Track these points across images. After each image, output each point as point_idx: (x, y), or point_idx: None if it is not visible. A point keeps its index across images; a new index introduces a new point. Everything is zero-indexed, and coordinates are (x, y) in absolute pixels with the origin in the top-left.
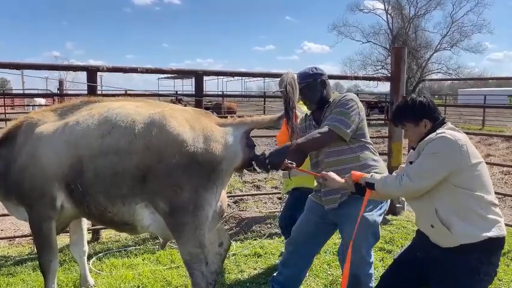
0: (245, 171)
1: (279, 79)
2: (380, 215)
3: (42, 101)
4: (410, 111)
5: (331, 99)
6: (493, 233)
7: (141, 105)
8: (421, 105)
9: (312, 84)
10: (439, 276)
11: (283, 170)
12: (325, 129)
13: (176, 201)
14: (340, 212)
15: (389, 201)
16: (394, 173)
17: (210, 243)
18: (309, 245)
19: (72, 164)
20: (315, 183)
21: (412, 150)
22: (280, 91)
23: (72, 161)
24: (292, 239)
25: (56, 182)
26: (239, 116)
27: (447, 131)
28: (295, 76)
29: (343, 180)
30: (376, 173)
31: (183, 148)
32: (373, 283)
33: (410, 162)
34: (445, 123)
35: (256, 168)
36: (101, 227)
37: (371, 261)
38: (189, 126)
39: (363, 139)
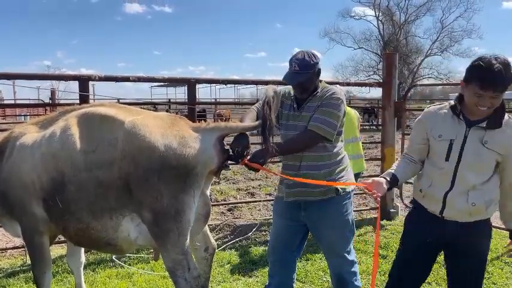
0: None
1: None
2: (352, 210)
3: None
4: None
5: (319, 88)
6: None
7: (117, 112)
8: None
9: (311, 76)
10: (463, 247)
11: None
12: (309, 131)
13: (157, 207)
14: (313, 214)
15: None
16: (402, 163)
17: (196, 249)
18: (288, 250)
19: (51, 177)
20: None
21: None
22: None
23: (51, 175)
24: (271, 248)
25: (33, 197)
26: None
27: None
28: (277, 90)
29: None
30: (346, 167)
31: (155, 154)
32: (359, 281)
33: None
34: None
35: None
36: None
37: (351, 259)
38: (161, 133)
39: (339, 136)
